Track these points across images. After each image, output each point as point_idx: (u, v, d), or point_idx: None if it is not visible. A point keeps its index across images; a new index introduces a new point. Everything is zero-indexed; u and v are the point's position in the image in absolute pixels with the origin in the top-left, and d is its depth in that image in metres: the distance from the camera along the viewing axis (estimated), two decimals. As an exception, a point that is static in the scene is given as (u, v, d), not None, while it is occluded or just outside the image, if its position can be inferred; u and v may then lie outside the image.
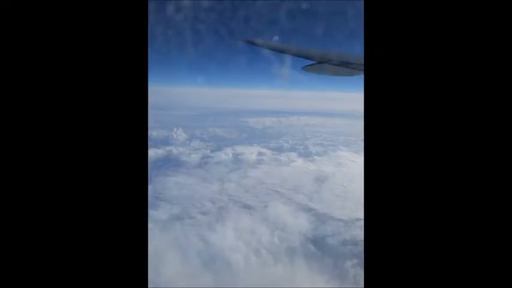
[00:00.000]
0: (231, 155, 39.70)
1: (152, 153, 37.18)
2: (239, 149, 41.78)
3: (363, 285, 1.65)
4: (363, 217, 1.93)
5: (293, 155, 40.27)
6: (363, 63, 3.47)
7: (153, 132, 46.70)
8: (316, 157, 39.20)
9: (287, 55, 4.88)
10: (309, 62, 4.35)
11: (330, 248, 20.53)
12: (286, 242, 21.05)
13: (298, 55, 4.62)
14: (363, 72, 3.63)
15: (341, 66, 4.21)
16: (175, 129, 49.59)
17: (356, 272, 18.26)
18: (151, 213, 22.20)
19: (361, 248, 19.24)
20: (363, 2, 1.74)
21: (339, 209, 25.24)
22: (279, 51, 5.00)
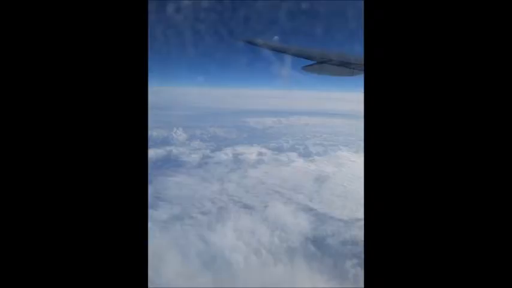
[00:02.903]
0: (231, 155, 39.64)
1: (152, 153, 37.12)
2: (239, 149, 41.72)
3: (363, 285, 1.65)
4: (363, 217, 1.93)
5: (293, 155, 40.20)
6: (363, 63, 3.47)
7: (153, 132, 46.60)
8: (316, 157, 39.14)
9: (287, 55, 4.88)
10: (309, 62, 4.35)
11: (330, 248, 20.52)
12: (286, 242, 21.03)
13: (298, 55, 4.62)
14: (363, 72, 3.63)
15: (341, 66, 4.22)
16: (175, 129, 49.51)
17: (356, 272, 18.25)
18: (151, 213, 22.17)
19: (361, 248, 19.23)
20: (362, 2, 1.74)
21: (339, 209, 25.21)
22: (279, 51, 5.00)
